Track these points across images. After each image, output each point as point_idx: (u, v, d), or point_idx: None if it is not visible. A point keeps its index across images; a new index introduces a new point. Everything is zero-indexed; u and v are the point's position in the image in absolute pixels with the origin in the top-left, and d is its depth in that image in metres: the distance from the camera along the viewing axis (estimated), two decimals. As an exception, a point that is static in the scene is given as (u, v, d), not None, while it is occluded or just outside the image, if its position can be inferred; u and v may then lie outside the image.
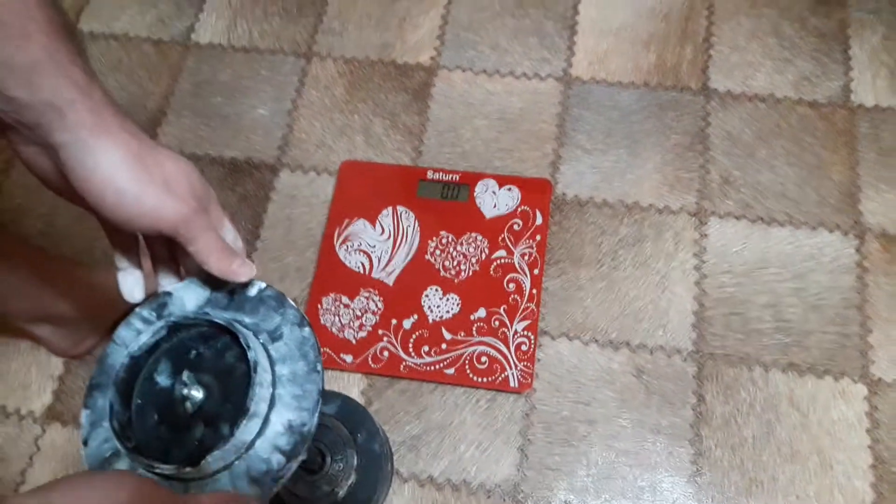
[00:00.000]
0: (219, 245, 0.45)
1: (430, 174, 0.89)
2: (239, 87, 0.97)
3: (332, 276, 0.84)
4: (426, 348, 0.80)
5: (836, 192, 0.84)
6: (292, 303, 0.46)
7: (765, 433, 0.74)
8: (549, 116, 0.92)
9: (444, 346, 0.80)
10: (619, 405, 0.76)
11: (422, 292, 0.83)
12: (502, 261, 0.83)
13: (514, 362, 0.78)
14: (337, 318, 0.82)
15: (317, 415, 0.42)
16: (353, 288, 0.83)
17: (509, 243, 0.84)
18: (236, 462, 0.41)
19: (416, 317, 0.81)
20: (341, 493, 0.67)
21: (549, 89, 0.93)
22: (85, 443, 0.45)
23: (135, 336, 0.46)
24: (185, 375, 0.44)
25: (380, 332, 0.81)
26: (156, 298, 0.48)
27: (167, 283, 0.49)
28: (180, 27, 1.01)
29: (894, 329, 0.77)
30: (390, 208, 0.88)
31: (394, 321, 0.81)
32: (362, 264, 0.85)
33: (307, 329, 0.45)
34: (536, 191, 0.87)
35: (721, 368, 0.77)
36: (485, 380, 0.77)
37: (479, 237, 0.85)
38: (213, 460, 0.40)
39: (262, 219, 0.89)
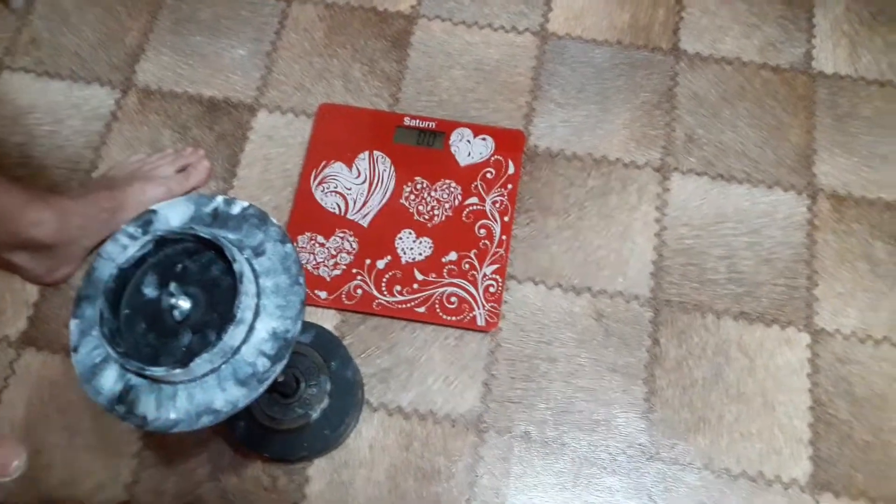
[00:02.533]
0: None
1: (406, 121, 0.90)
2: (219, 27, 0.97)
3: (307, 216, 0.86)
4: (398, 288, 0.83)
5: (793, 153, 0.89)
6: (275, 220, 0.49)
7: (714, 375, 0.79)
8: (525, 69, 0.94)
9: (415, 286, 0.83)
10: (578, 345, 0.80)
11: (396, 235, 0.85)
12: (474, 207, 0.86)
13: (482, 303, 0.81)
14: (312, 255, 0.84)
15: (299, 323, 0.45)
16: (329, 228, 0.86)
17: (482, 191, 0.87)
18: (223, 366, 0.44)
19: (389, 258, 0.84)
20: (314, 415, 0.70)
21: (525, 43, 0.95)
22: (75, 350, 0.47)
23: (121, 251, 0.48)
24: (172, 286, 0.46)
25: (354, 270, 0.83)
26: (141, 216, 0.50)
27: None
28: (159, -37, 1.00)
29: (838, 283, 0.83)
30: (367, 152, 0.89)
31: (368, 261, 0.84)
32: (338, 205, 0.87)
33: (289, 245, 0.47)
34: (510, 141, 0.90)
35: (676, 314, 0.81)
36: (453, 318, 0.81)
37: (453, 184, 0.88)
38: (202, 362, 0.42)
39: (239, 158, 0.90)
